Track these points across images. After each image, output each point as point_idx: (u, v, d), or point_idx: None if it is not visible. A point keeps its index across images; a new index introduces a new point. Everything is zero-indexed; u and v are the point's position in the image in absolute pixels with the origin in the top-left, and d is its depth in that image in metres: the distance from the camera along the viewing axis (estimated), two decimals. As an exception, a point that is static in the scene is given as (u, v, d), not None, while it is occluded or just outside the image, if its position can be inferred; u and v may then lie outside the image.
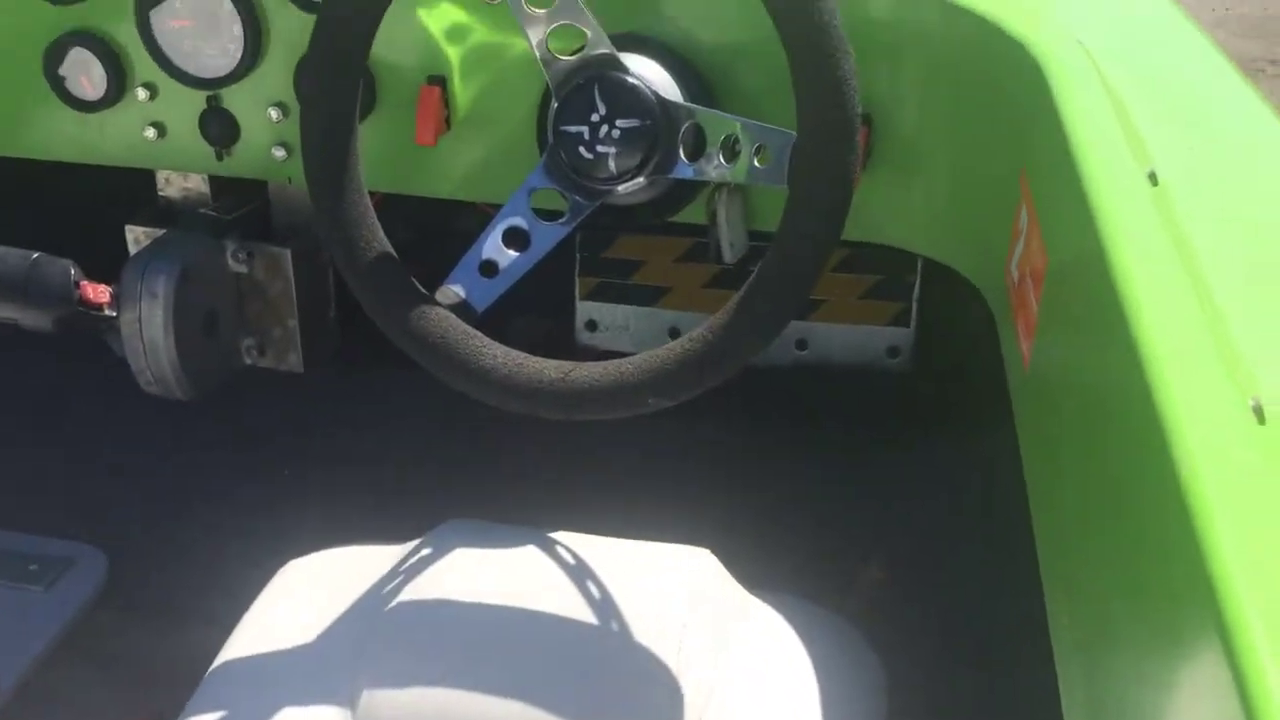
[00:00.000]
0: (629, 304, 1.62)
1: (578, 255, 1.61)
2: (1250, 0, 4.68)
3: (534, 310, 1.55)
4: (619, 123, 0.92)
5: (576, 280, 1.62)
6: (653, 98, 0.92)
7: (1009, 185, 0.97)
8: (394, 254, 0.94)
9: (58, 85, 1.22)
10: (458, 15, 1.11)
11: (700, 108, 0.94)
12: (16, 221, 1.37)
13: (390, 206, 1.11)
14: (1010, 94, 0.97)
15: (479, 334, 0.92)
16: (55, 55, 1.20)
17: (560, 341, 1.63)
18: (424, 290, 0.94)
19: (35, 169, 1.33)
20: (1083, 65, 0.93)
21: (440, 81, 1.11)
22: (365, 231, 0.93)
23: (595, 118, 0.92)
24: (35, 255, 1.25)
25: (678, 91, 1.02)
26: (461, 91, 1.13)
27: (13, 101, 1.26)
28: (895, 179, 1.08)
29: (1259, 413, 0.57)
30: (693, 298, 1.60)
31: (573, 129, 0.93)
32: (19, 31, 1.21)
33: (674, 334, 1.61)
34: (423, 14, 1.11)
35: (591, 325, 1.64)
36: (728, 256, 1.13)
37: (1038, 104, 0.90)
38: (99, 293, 1.29)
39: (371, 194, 0.94)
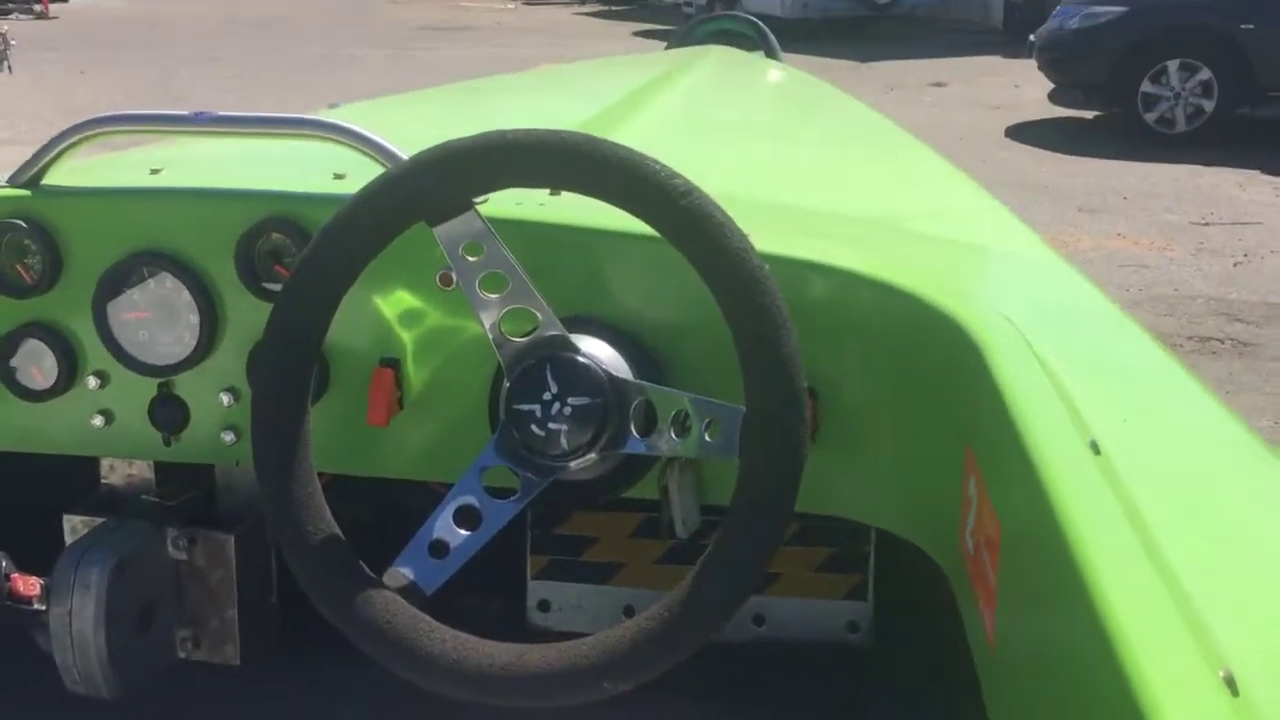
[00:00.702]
0: (582, 582, 1.58)
1: (529, 533, 1.58)
2: (1163, 282, 5.01)
3: (484, 589, 1.51)
4: (570, 400, 0.93)
5: (528, 559, 1.59)
6: (603, 376, 0.94)
7: (955, 456, 0.98)
8: (341, 537, 0.92)
9: (7, 376, 1.20)
10: (411, 300, 1.14)
11: (650, 384, 0.96)
12: None
13: (341, 485, 1.09)
14: (949, 368, 1.00)
15: (426, 618, 0.89)
16: (8, 347, 1.20)
17: (512, 622, 1.58)
18: (371, 574, 0.91)
19: None
20: (1015, 340, 0.97)
21: (393, 364, 1.13)
22: (312, 514, 0.91)
23: (547, 396, 0.93)
24: None
25: (627, 369, 1.04)
26: (414, 373, 1.14)
27: None
28: (843, 451, 1.09)
29: (1231, 684, 0.56)
30: (647, 574, 1.57)
31: (525, 407, 0.94)
32: None
33: (629, 612, 1.56)
34: (378, 300, 1.13)
35: (544, 605, 1.59)
36: (680, 531, 1.12)
37: (977, 378, 0.93)
38: (29, 585, 1.24)
39: (321, 474, 0.93)
